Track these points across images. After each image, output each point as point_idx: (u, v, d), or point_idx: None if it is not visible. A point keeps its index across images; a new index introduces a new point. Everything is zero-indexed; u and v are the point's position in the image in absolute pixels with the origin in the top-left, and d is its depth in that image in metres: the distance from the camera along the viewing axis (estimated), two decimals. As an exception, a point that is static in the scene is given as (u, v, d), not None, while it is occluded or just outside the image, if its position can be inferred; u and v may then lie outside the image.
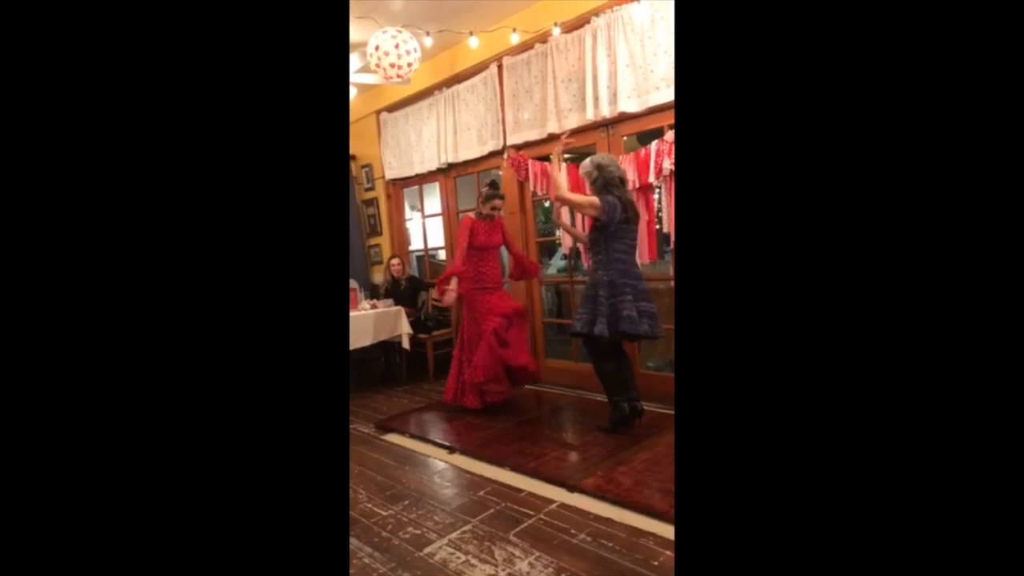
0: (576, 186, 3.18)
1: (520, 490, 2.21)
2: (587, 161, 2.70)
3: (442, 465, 2.58)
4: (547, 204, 3.90)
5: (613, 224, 2.58)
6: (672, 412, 2.92)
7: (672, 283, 3.29)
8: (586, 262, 3.31)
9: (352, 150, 5.01)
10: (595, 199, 2.61)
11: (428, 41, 3.39)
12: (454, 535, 1.90)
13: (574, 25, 3.22)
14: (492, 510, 2.06)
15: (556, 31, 3.23)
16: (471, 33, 3.43)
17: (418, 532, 1.94)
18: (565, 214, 3.17)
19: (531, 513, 2.01)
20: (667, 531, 1.79)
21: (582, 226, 3.33)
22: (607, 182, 2.61)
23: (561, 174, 2.76)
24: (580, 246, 3.41)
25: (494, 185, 3.41)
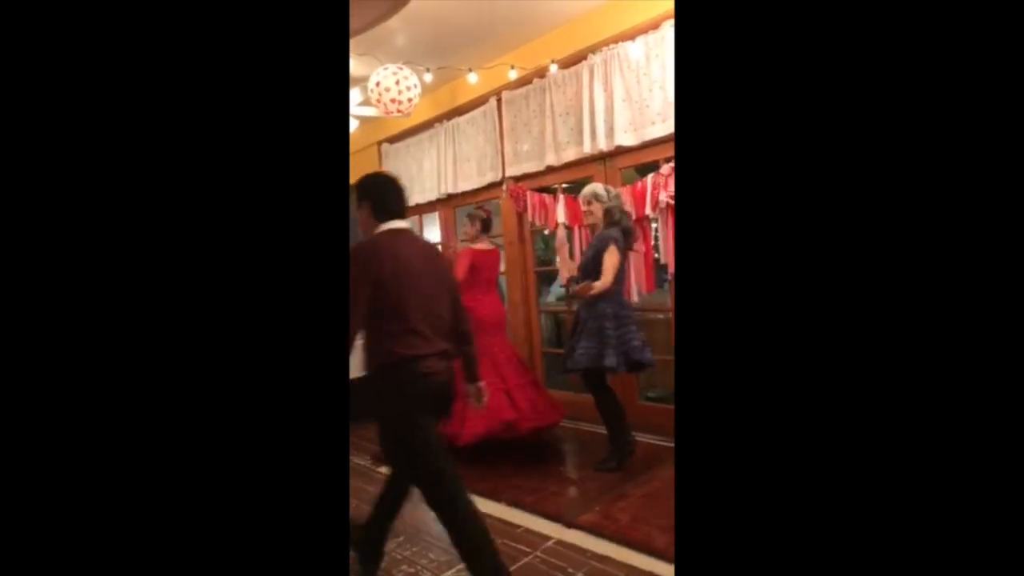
0: (574, 215, 3.24)
1: (517, 526, 2.18)
2: (600, 187, 2.72)
3: (438, 499, 2.54)
4: (546, 232, 3.92)
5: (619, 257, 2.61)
6: (672, 445, 2.89)
7: (670, 314, 3.30)
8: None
9: (354, 180, 5.06)
10: (616, 262, 2.57)
11: (428, 77, 3.47)
12: (449, 573, 1.86)
13: (571, 61, 3.29)
14: (488, 547, 2.03)
15: (553, 68, 3.31)
16: (470, 69, 3.51)
17: (412, 571, 1.91)
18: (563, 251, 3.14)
19: (527, 550, 1.98)
20: (666, 571, 1.76)
21: (580, 250, 3.36)
22: (620, 212, 2.68)
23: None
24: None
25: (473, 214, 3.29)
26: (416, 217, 4.83)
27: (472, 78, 3.54)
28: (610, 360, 2.53)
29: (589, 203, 2.69)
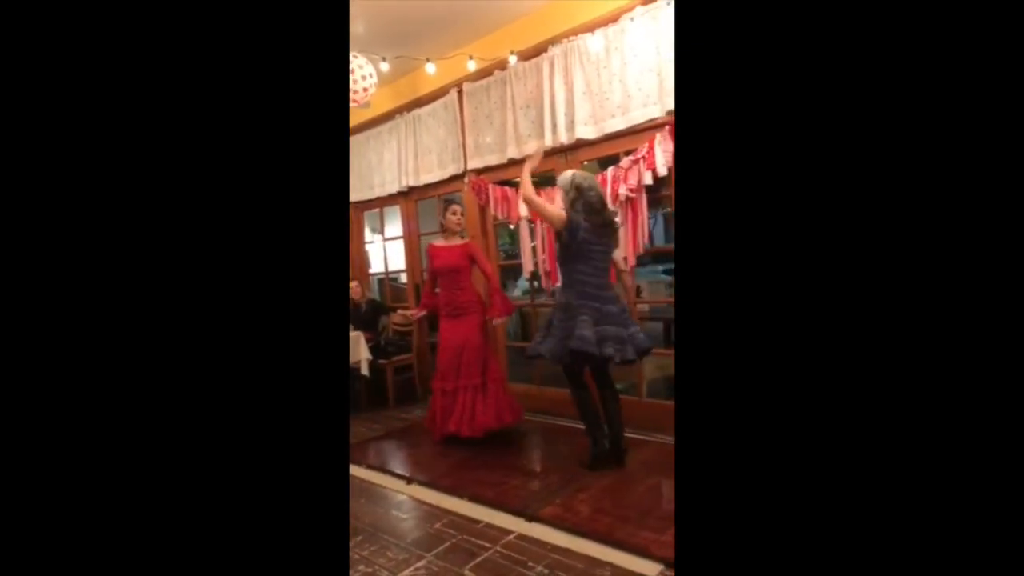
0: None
1: (478, 521, 2.16)
2: (568, 176, 2.58)
3: (399, 497, 2.50)
4: (512, 227, 3.88)
5: (574, 244, 2.51)
6: (636, 436, 2.92)
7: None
8: (553, 283, 3.31)
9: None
10: (562, 213, 2.52)
11: (384, 66, 3.39)
12: (407, 572, 1.83)
13: (531, 54, 3.27)
14: (448, 543, 2.00)
15: (513, 60, 3.28)
16: (428, 59, 3.45)
17: (370, 571, 1.87)
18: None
19: (488, 545, 1.96)
20: (625, 560, 1.77)
21: (542, 246, 3.35)
22: (587, 206, 2.51)
23: (528, 181, 2.62)
24: (543, 270, 3.42)
25: (447, 198, 3.43)
26: (377, 210, 4.75)
27: (430, 68, 3.48)
28: (545, 347, 2.54)
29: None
